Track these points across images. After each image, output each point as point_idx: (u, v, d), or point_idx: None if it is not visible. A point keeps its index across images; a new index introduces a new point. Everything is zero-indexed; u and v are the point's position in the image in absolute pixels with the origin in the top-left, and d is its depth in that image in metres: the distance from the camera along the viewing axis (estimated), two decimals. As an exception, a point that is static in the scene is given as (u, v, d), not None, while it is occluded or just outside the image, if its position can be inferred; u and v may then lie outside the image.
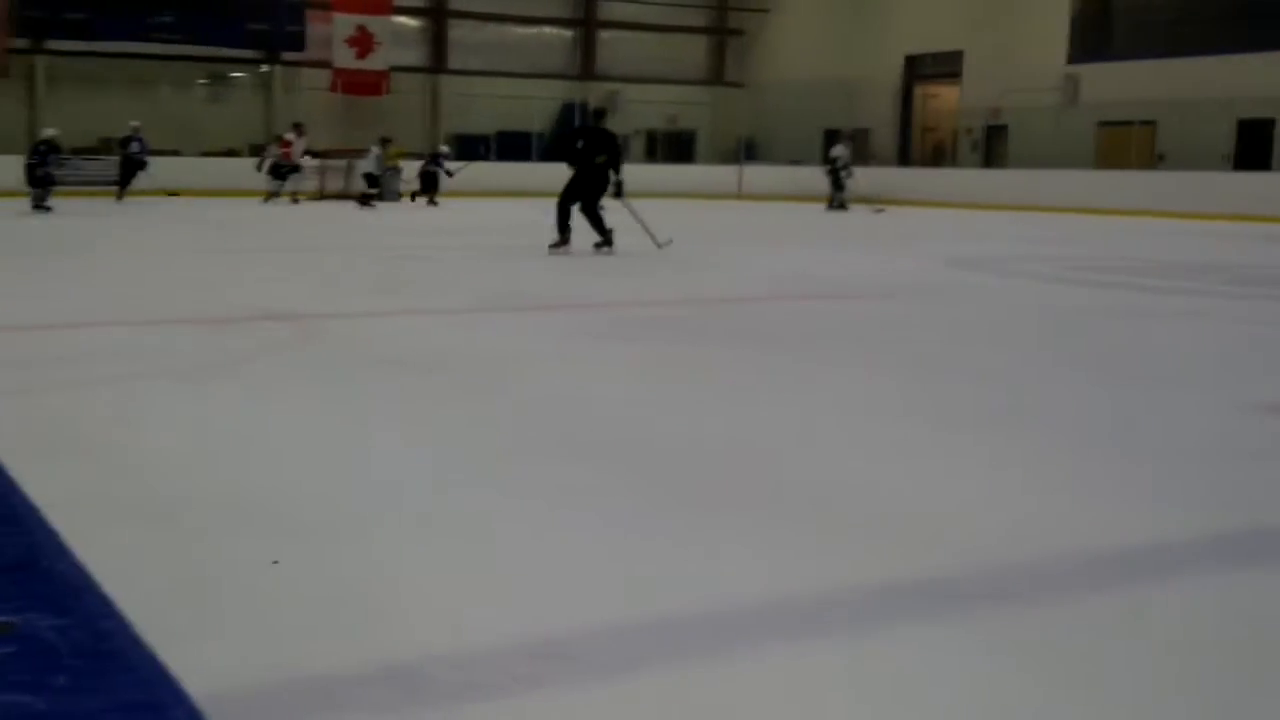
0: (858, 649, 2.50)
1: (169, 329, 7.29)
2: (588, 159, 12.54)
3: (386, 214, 21.89)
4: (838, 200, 24.88)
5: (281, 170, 24.53)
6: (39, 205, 19.20)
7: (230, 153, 29.13)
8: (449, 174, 25.10)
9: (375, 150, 24.53)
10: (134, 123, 23.56)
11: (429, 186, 25.02)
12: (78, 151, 25.09)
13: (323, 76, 31.68)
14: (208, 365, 5.94)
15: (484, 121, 32.60)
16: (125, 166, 23.30)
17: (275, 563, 2.94)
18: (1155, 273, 11.96)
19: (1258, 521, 3.42)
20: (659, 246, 12.48)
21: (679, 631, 2.58)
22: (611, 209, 12.69)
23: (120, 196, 22.94)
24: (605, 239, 12.46)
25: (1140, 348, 7.02)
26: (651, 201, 12.50)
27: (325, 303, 8.69)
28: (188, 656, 2.35)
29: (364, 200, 23.82)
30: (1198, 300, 9.65)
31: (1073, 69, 28.37)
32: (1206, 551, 3.19)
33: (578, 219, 12.50)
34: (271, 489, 3.66)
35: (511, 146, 27.61)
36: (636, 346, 6.81)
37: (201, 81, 31.08)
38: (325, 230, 17.78)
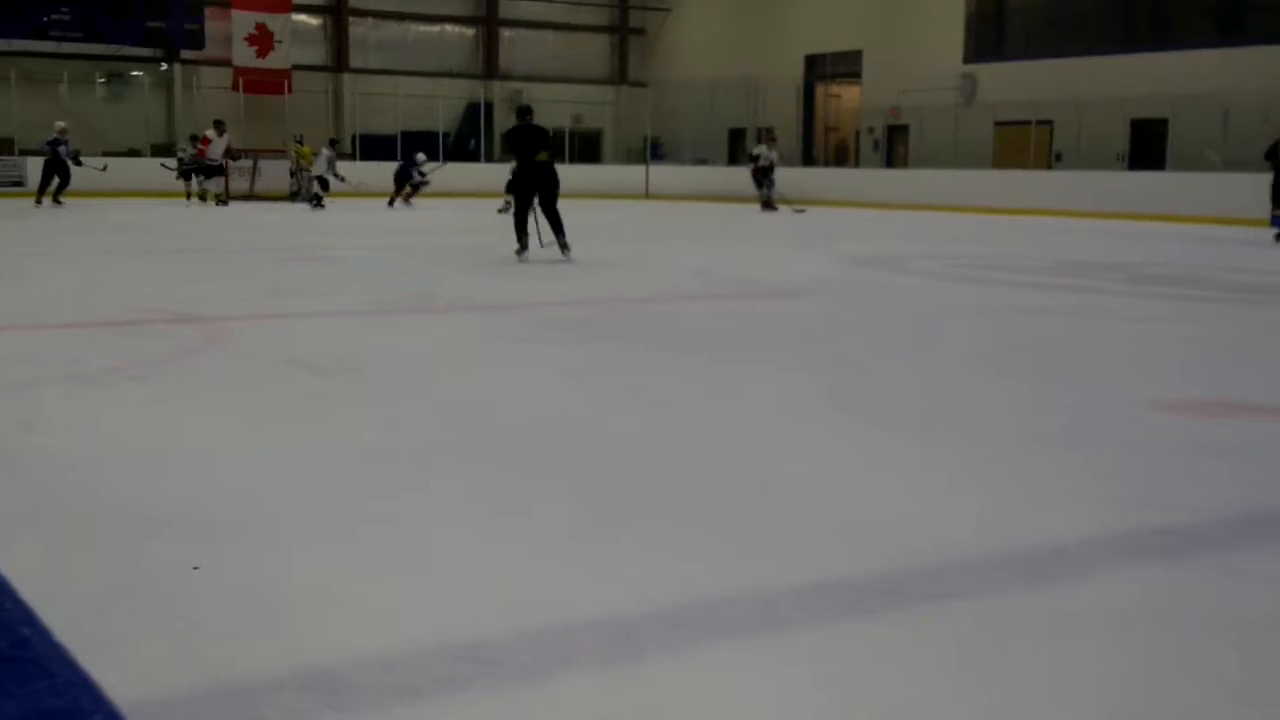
0: (785, 648, 2.54)
1: (78, 333, 7.16)
2: (529, 156, 12.41)
3: (307, 215, 21.64)
4: (764, 199, 24.90)
5: (198, 168, 24.12)
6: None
7: (132, 153, 28.57)
8: (423, 176, 25.14)
9: (326, 152, 24.28)
10: (60, 123, 22.96)
11: (401, 187, 25.00)
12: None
13: (224, 75, 31.22)
14: (116, 369, 5.84)
15: (388, 121, 32.35)
16: (49, 168, 22.60)
17: (196, 569, 2.92)
18: (1053, 271, 12.24)
19: (1153, 519, 3.52)
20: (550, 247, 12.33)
21: (603, 634, 2.60)
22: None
23: (40, 200, 22.37)
24: (563, 240, 12.23)
25: (1041, 345, 7.20)
26: (561, 202, 12.45)
27: (241, 305, 8.59)
28: (107, 663, 2.34)
29: (316, 201, 23.55)
30: (1096, 298, 9.91)
31: (970, 69, 28.95)
32: (1118, 547, 3.28)
33: (536, 221, 12.33)
34: (186, 494, 3.63)
35: (418, 147, 27.43)
36: (552, 348, 6.83)
37: (100, 80, 30.43)
38: (250, 231, 17.53)
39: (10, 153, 25.46)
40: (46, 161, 22.68)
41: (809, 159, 33.00)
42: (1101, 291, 10.38)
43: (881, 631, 2.63)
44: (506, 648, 2.50)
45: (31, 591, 2.19)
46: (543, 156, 12.37)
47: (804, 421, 4.86)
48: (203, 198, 24.04)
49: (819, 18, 32.17)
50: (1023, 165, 26.21)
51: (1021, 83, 26.76)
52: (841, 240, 16.50)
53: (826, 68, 32.91)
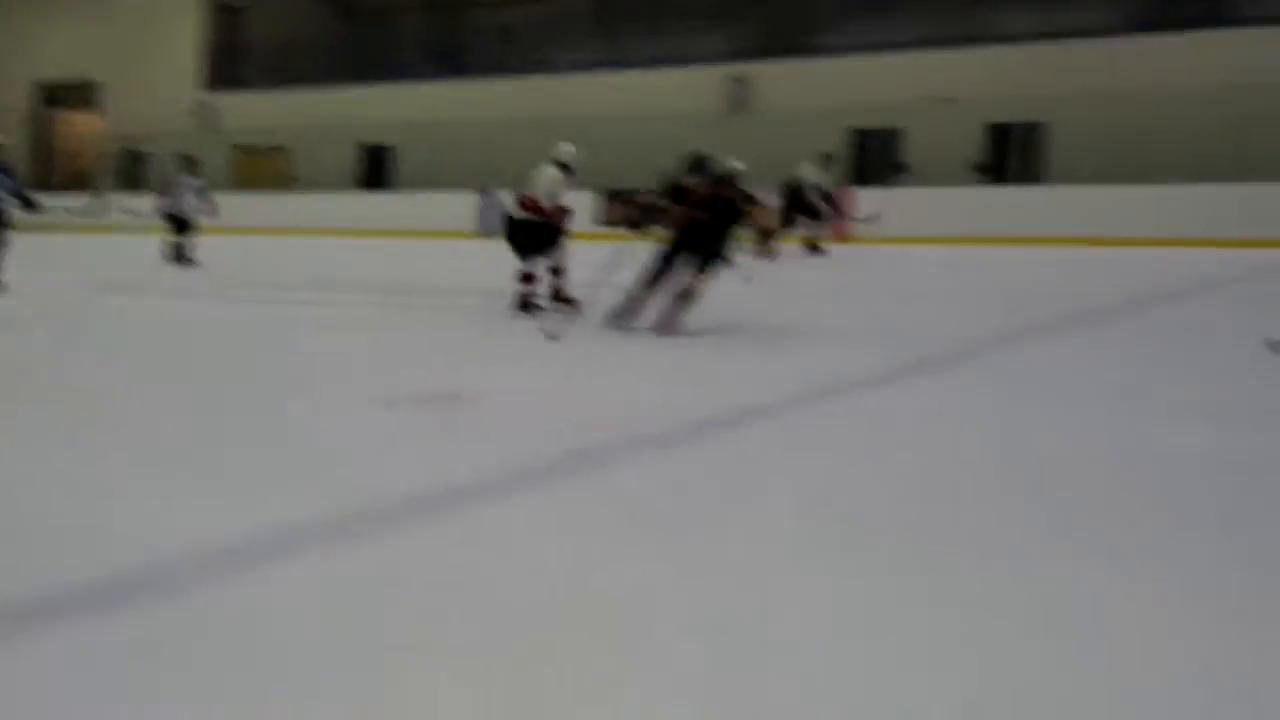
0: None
1: None
2: None
3: None
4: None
5: None
6: None
7: None
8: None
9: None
10: None
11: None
12: None
13: None
14: None
15: None
16: None
17: None
18: (302, 287, 12.76)
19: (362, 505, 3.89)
20: None
21: None
22: None
23: None
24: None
25: (265, 361, 7.65)
26: None
27: None
28: None
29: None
30: (343, 310, 10.50)
31: (209, 96, 29.11)
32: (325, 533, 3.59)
33: None
34: None
35: None
36: None
37: None
38: None
39: None
40: None
41: (45, 184, 31.26)
42: (346, 305, 10.94)
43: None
44: None
45: None
46: None
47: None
48: None
49: (53, 46, 31.25)
50: (263, 188, 26.89)
51: (259, 111, 27.51)
52: (86, 266, 16.02)
53: (64, 95, 31.81)
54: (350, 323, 9.36)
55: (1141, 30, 19.79)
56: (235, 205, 25.73)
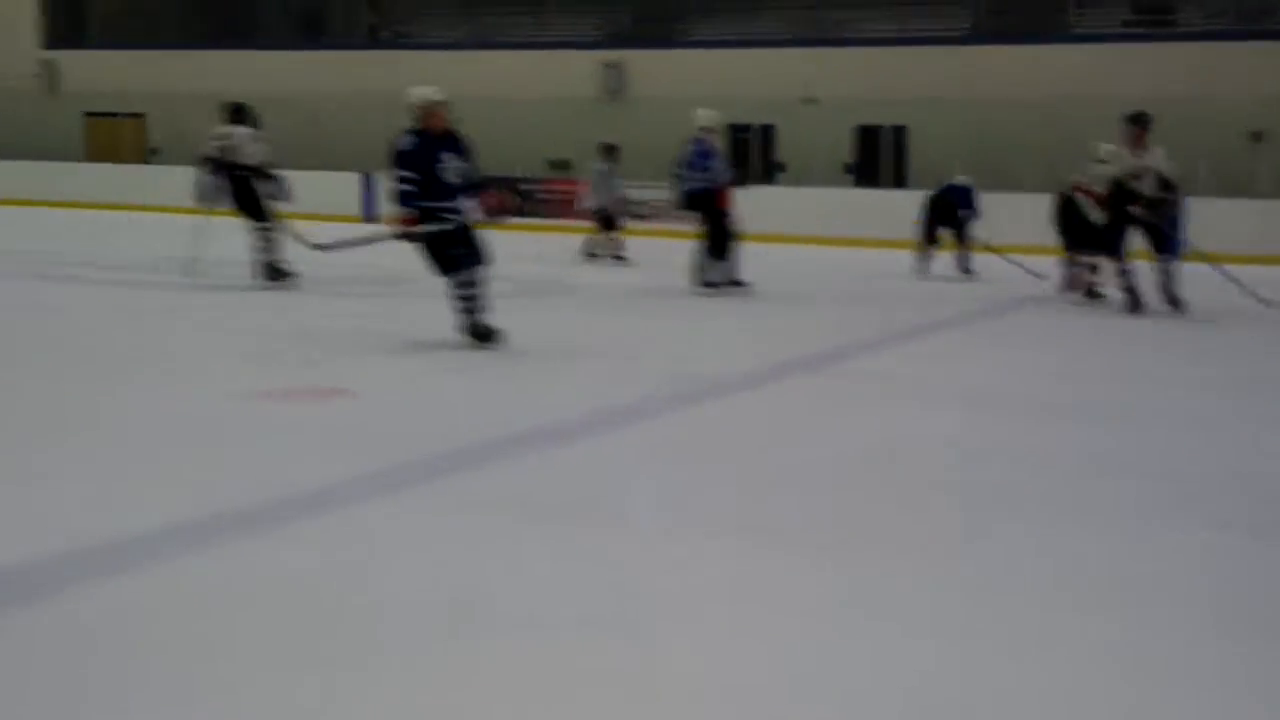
0: None
1: None
2: None
3: None
4: None
5: None
6: None
7: None
8: None
9: None
10: None
11: None
12: None
13: None
14: None
15: None
16: None
17: None
18: (149, 268, 12.21)
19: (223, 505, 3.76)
20: None
21: None
22: None
23: None
24: None
25: (129, 342, 7.23)
26: None
27: None
28: None
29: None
30: (176, 295, 10.09)
31: (50, 55, 27.60)
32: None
33: None
34: None
35: None
36: None
37: None
38: None
39: None
40: None
41: None
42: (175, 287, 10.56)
43: None
44: None
45: None
46: None
47: None
48: None
49: None
50: (117, 159, 25.58)
51: (111, 73, 26.07)
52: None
53: None
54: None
55: (990, 40, 20.73)
56: (86, 177, 24.63)
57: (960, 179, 14.20)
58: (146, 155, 26.16)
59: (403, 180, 7.18)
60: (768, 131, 22.00)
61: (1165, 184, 10.35)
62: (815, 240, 18.33)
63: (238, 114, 11.01)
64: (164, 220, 20.24)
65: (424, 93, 7.35)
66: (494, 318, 7.37)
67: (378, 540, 3.51)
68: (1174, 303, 10.14)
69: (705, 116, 11.55)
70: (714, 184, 11.24)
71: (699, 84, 21.57)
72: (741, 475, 4.50)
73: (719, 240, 11.13)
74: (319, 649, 2.69)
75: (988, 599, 3.16)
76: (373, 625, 2.85)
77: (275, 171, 10.83)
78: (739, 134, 21.91)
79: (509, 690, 2.52)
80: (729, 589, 3.19)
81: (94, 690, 2.46)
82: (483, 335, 7.29)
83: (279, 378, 6.02)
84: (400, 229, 7.23)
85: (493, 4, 25.65)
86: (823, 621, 2.98)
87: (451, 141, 7.44)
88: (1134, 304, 10.19)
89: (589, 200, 15.55)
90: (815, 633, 2.90)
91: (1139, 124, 10.30)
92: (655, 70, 22.66)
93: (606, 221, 15.23)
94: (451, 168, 7.32)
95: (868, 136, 21.12)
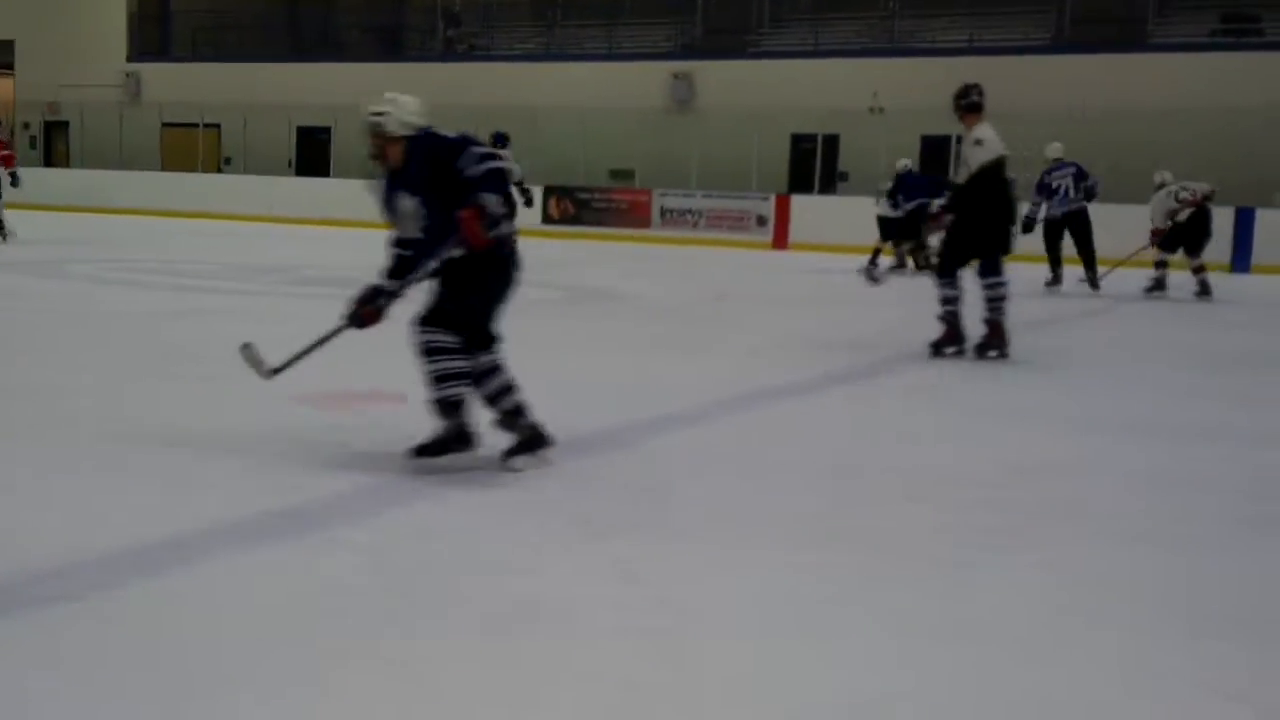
0: None
1: None
2: None
3: None
4: None
5: None
6: None
7: None
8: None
9: None
10: None
11: None
12: None
13: None
14: None
15: None
16: None
17: None
18: (222, 275, 12.27)
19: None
20: None
21: None
22: None
23: None
24: None
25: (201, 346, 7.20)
26: None
27: None
28: None
29: None
30: (260, 300, 10.07)
31: (134, 67, 28.08)
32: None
33: None
34: None
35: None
36: None
37: None
38: None
39: None
40: None
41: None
42: (266, 294, 10.57)
43: None
44: None
45: None
46: None
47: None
48: None
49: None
50: (191, 168, 25.89)
51: (188, 85, 26.43)
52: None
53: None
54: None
55: (1056, 51, 20.69)
56: (162, 185, 24.92)
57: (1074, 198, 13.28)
58: (220, 165, 26.49)
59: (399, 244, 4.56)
60: (832, 141, 21.78)
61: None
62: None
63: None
64: (234, 228, 20.61)
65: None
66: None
67: (421, 544, 3.42)
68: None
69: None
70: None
71: (765, 94, 21.44)
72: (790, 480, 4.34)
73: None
74: (356, 653, 2.59)
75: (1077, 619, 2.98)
76: (414, 628, 2.75)
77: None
78: (803, 144, 21.79)
79: (545, 696, 2.44)
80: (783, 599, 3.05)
81: (132, 688, 2.39)
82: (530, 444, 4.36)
83: (328, 381, 5.90)
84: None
85: (566, 16, 25.75)
86: (876, 637, 2.83)
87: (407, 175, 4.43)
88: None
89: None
90: (874, 651, 2.75)
91: None
92: (723, 80, 22.52)
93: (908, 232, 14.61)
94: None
95: (932, 146, 20.74)
